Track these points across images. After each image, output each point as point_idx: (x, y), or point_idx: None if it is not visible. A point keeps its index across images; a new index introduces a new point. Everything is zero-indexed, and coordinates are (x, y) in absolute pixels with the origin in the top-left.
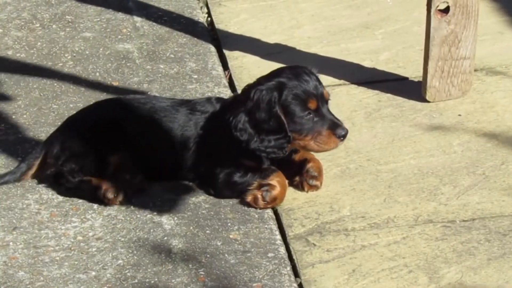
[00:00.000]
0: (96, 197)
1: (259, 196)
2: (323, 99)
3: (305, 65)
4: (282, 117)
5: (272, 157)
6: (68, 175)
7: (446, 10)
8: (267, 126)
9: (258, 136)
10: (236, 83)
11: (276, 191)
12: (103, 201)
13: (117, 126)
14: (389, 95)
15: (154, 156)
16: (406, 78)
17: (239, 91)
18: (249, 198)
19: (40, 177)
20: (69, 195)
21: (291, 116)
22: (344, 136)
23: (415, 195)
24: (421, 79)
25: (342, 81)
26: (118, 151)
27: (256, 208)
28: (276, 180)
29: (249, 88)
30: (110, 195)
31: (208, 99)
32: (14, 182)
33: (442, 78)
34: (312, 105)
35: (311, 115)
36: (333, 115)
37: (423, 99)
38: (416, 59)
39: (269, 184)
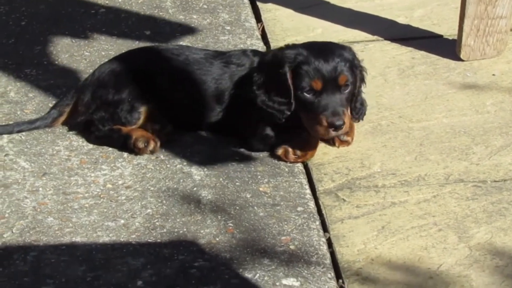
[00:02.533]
0: (126, 146)
1: (290, 150)
2: (335, 84)
3: (348, 46)
4: (291, 86)
5: (271, 119)
6: (98, 123)
7: None
8: (275, 89)
9: (268, 95)
10: (269, 35)
11: (307, 145)
12: (133, 150)
13: (149, 76)
14: (423, 52)
15: (185, 108)
16: (440, 36)
17: (271, 44)
18: (280, 152)
19: (71, 124)
20: (98, 143)
21: (296, 88)
22: (336, 127)
23: (446, 154)
24: (455, 37)
25: (375, 37)
26: (149, 101)
27: (286, 162)
28: (307, 134)
29: (277, 51)
30: (140, 144)
31: (244, 52)
32: (44, 128)
33: (477, 37)
34: (316, 85)
35: (314, 95)
36: (339, 103)
37: (457, 58)
38: (451, 17)
39: (301, 138)
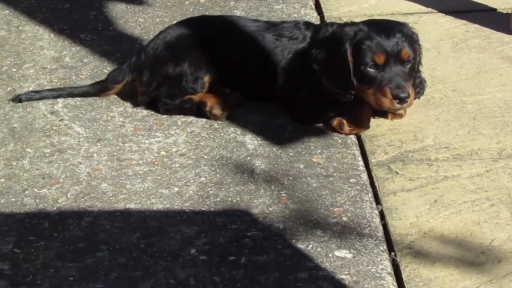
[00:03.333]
0: (202, 113)
1: (345, 122)
2: (397, 58)
3: (406, 23)
4: (350, 64)
5: (339, 98)
6: (166, 98)
7: None
8: (335, 68)
9: (328, 74)
10: (322, 5)
11: (362, 117)
12: (210, 117)
13: (206, 46)
14: (476, 25)
15: (240, 79)
16: (494, 10)
17: (325, 14)
18: (334, 123)
19: (125, 94)
20: (170, 114)
21: (358, 64)
22: (401, 99)
23: (499, 129)
24: (509, 11)
25: (429, 9)
26: (210, 70)
27: (341, 133)
28: (362, 106)
29: (337, 28)
30: (216, 111)
31: (296, 24)
32: (91, 96)
33: None
34: (379, 59)
35: (377, 70)
36: (402, 77)
37: (511, 32)
38: None
39: (355, 110)
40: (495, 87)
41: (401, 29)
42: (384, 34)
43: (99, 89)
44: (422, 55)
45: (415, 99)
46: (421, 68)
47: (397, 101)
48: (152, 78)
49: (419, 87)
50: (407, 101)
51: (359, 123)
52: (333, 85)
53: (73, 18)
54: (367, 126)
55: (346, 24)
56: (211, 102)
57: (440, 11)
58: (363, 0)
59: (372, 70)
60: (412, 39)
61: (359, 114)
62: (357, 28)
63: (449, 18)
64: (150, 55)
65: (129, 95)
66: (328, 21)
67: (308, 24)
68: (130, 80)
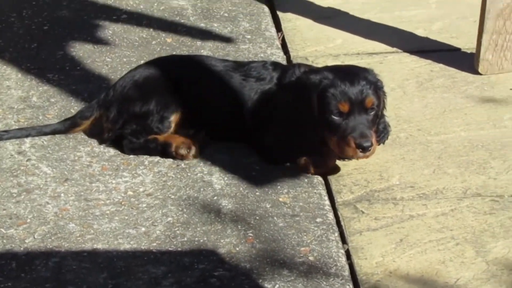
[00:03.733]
0: (167, 154)
1: (311, 163)
2: (361, 106)
3: (370, 69)
4: (315, 112)
5: (306, 145)
6: (131, 136)
7: None
8: (301, 114)
9: (294, 121)
10: (289, 45)
11: (328, 157)
12: (175, 158)
13: (175, 85)
14: (441, 65)
15: (208, 118)
16: (458, 49)
17: (291, 54)
18: (301, 164)
19: (93, 133)
20: (134, 154)
21: (322, 112)
22: (364, 149)
23: (464, 168)
24: (473, 50)
25: (394, 49)
26: (176, 109)
27: (307, 173)
28: (328, 147)
29: (302, 75)
30: (182, 151)
31: (264, 65)
32: (60, 134)
33: (495, 51)
34: (344, 108)
35: (341, 118)
36: (366, 125)
37: (475, 71)
38: (469, 30)
39: (321, 151)
40: (459, 126)
41: (365, 76)
42: (348, 82)
43: (68, 125)
44: (386, 101)
45: (379, 144)
46: (385, 112)
47: (360, 150)
48: (119, 115)
49: (384, 133)
50: (370, 150)
51: (325, 165)
52: (299, 130)
53: (41, 58)
54: (333, 167)
55: (311, 71)
56: (176, 142)
57: (405, 50)
58: (329, 40)
59: (336, 118)
60: (376, 86)
61: (325, 156)
62: (322, 76)
63: (414, 58)
64: (118, 93)
65: (96, 135)
66: (294, 60)
67: (275, 65)
68: (98, 116)
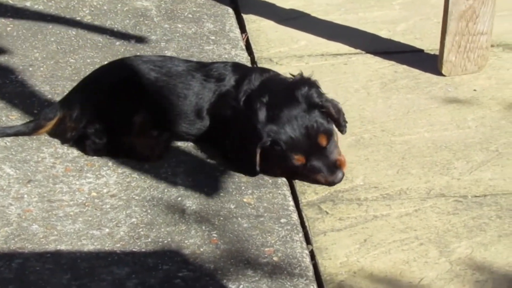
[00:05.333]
0: (132, 155)
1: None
2: (317, 147)
3: (307, 86)
4: (257, 163)
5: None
6: (94, 137)
7: None
8: (245, 158)
9: (238, 152)
10: (253, 46)
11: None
12: (140, 159)
13: (137, 86)
14: (405, 66)
15: (171, 120)
16: (422, 50)
17: (256, 55)
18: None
19: (56, 134)
20: (98, 155)
21: (277, 162)
22: (339, 182)
23: (428, 168)
24: (437, 52)
25: (358, 50)
26: (140, 111)
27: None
28: None
29: (252, 101)
30: (146, 152)
31: (224, 66)
32: (24, 135)
33: (458, 53)
34: (301, 160)
35: (302, 165)
36: (329, 157)
37: (439, 72)
38: (433, 32)
39: None
40: (423, 127)
41: (305, 113)
42: (296, 127)
43: (32, 127)
44: (331, 103)
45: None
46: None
47: (333, 184)
48: (82, 114)
49: (343, 126)
50: (343, 174)
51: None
52: (240, 161)
53: (4, 59)
54: None
55: (255, 100)
56: (140, 144)
57: (369, 52)
58: (293, 41)
59: (297, 165)
60: (320, 108)
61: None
62: (268, 130)
63: (378, 59)
64: (81, 93)
65: (60, 136)
66: (258, 61)
67: (235, 66)
68: (62, 116)
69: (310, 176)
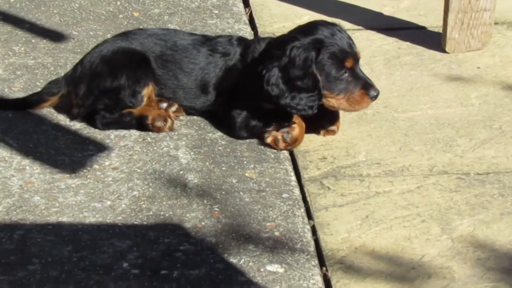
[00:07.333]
0: (143, 127)
1: (280, 137)
2: (356, 58)
3: (336, 24)
4: (318, 76)
5: (302, 114)
6: (104, 112)
7: None
8: (300, 84)
9: (290, 93)
10: (256, 21)
11: (296, 132)
12: (152, 130)
13: (144, 59)
14: (408, 43)
15: (176, 93)
16: (424, 28)
17: (259, 30)
18: (269, 140)
19: (60, 108)
20: (109, 128)
21: (326, 75)
22: (376, 97)
23: (430, 145)
24: (441, 29)
25: (361, 27)
26: (147, 83)
27: (276, 149)
28: (295, 122)
29: (284, 42)
30: (159, 123)
31: (230, 40)
32: (26, 109)
33: (461, 30)
34: (349, 64)
35: (346, 74)
36: (365, 75)
37: (442, 49)
38: (437, 8)
39: (289, 126)
40: (426, 104)
41: (341, 28)
42: (339, 38)
43: (34, 101)
44: None
45: None
46: None
47: (373, 99)
48: (89, 91)
49: None
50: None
51: (294, 138)
52: (296, 103)
53: (6, 30)
54: (301, 141)
55: (293, 38)
56: (152, 115)
57: (373, 28)
58: (296, 16)
59: (343, 77)
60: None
61: (294, 129)
62: (312, 40)
63: (381, 35)
64: (87, 69)
65: (63, 109)
66: (261, 36)
67: (240, 40)
68: (66, 93)
69: (353, 92)
